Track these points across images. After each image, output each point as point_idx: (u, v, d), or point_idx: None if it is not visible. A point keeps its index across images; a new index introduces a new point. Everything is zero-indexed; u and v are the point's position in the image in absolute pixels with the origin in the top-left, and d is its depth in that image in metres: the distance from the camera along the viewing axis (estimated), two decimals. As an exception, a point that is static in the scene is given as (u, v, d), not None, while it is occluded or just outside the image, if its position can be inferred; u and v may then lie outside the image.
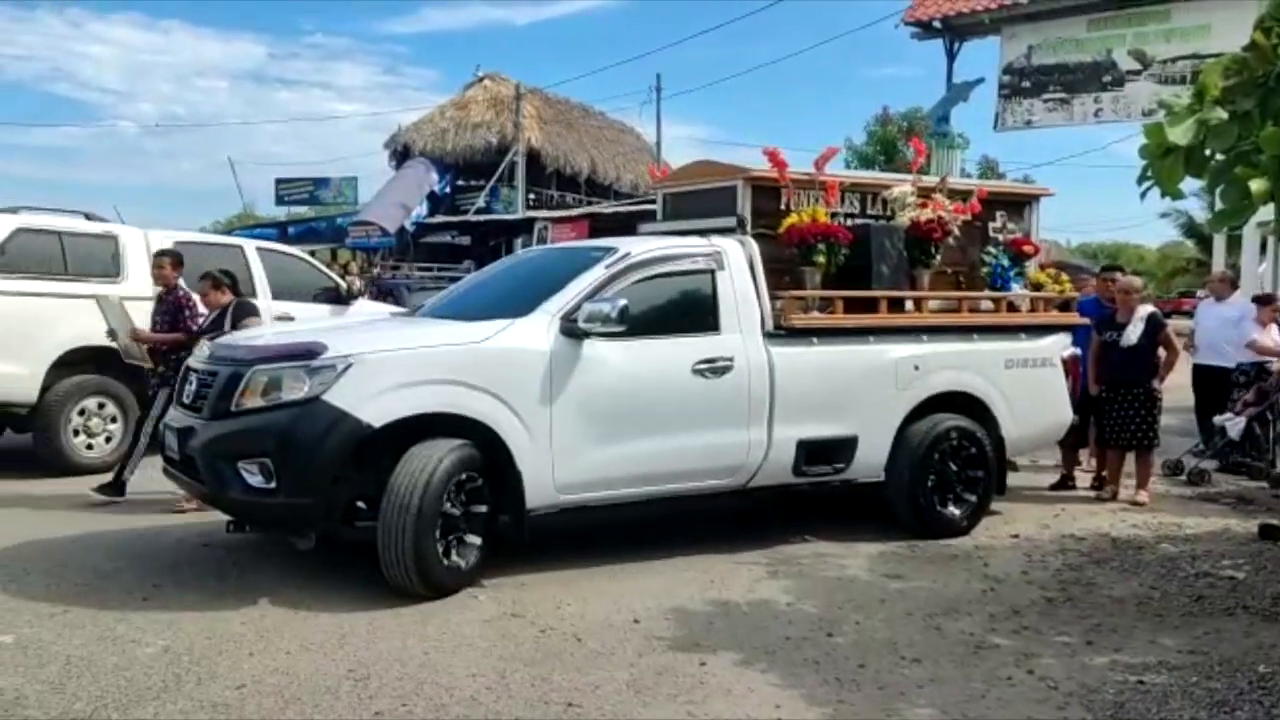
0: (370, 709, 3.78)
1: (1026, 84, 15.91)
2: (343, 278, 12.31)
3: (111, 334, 7.38)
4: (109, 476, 7.23)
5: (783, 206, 6.54)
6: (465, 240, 26.09)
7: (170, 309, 7.28)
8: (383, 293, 17.73)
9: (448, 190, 29.19)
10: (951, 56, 16.67)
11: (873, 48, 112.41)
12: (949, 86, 16.64)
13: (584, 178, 29.58)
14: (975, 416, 6.69)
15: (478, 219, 26.57)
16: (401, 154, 29.75)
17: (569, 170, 29.10)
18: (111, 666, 4.14)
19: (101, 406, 8.21)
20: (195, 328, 7.14)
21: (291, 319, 8.73)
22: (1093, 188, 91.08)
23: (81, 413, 8.16)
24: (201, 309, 7.25)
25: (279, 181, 34.76)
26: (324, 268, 11.56)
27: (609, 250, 5.92)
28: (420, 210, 27.51)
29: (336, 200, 33.39)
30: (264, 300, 9.58)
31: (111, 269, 8.54)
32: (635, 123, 33.64)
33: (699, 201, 6.89)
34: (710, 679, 4.15)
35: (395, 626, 4.68)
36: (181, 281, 7.39)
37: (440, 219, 27.50)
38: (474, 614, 4.89)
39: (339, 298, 10.22)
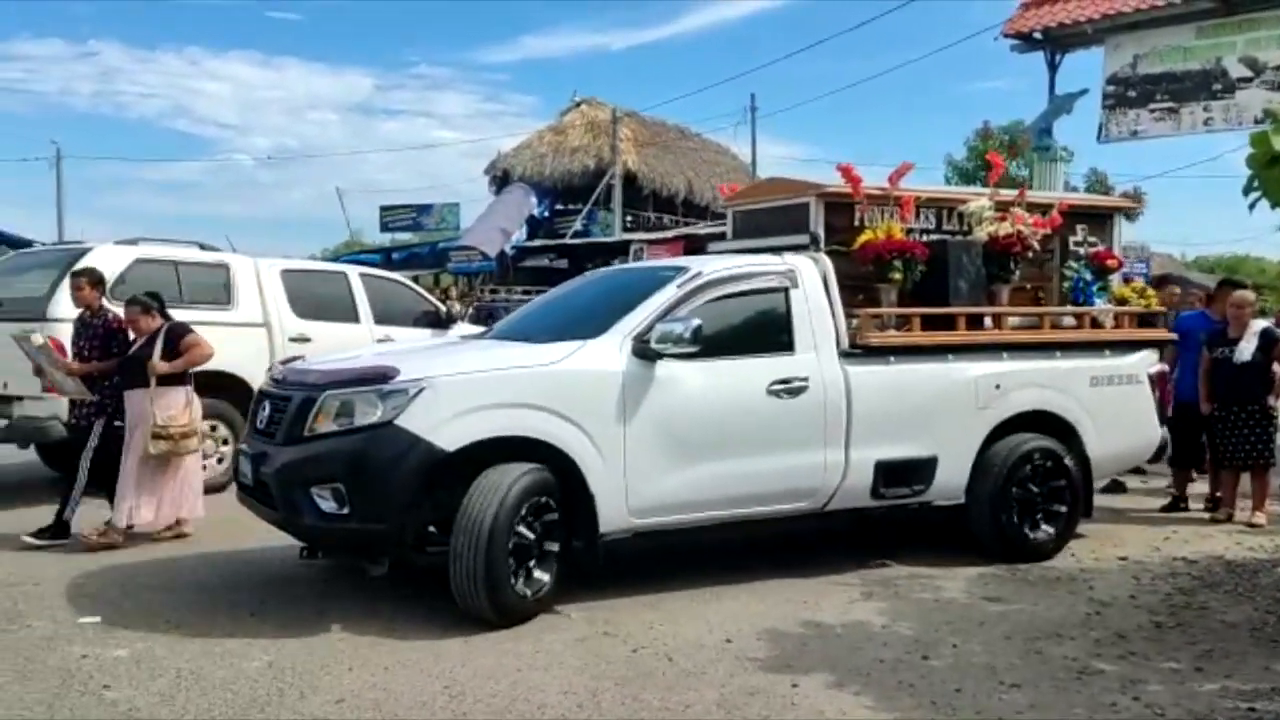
0: (465, 724, 3.87)
1: (1132, 94, 15.38)
2: (443, 302, 12.60)
3: (38, 371, 7.01)
4: (47, 522, 6.69)
5: (856, 223, 6.39)
6: (563, 263, 26.39)
7: (100, 334, 6.94)
8: (484, 316, 18.06)
9: (546, 214, 29.61)
10: (1053, 68, 16.24)
11: (971, 61, 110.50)
12: (1051, 99, 16.21)
13: (680, 199, 29.66)
14: (1059, 436, 6.44)
15: (575, 242, 26.84)
16: (501, 179, 30.30)
17: (665, 192, 29.22)
18: (219, 680, 4.29)
19: (214, 429, 8.47)
20: (129, 353, 6.84)
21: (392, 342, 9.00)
22: (1210, 199, 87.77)
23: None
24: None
25: (383, 209, 35.71)
26: (424, 292, 11.85)
27: (680, 270, 5.86)
28: (520, 234, 27.95)
29: (439, 226, 34.12)
30: (367, 325, 9.90)
31: (223, 297, 8.82)
32: (731, 143, 33.72)
33: (770, 219, 6.79)
34: (802, 700, 4.11)
35: (488, 645, 4.73)
36: (107, 303, 7.11)
37: (539, 243, 27.87)
38: (567, 634, 4.93)
39: (438, 321, 10.45)
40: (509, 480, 4.95)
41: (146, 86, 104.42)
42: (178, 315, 8.43)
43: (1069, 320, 6.86)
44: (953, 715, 3.96)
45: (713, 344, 5.42)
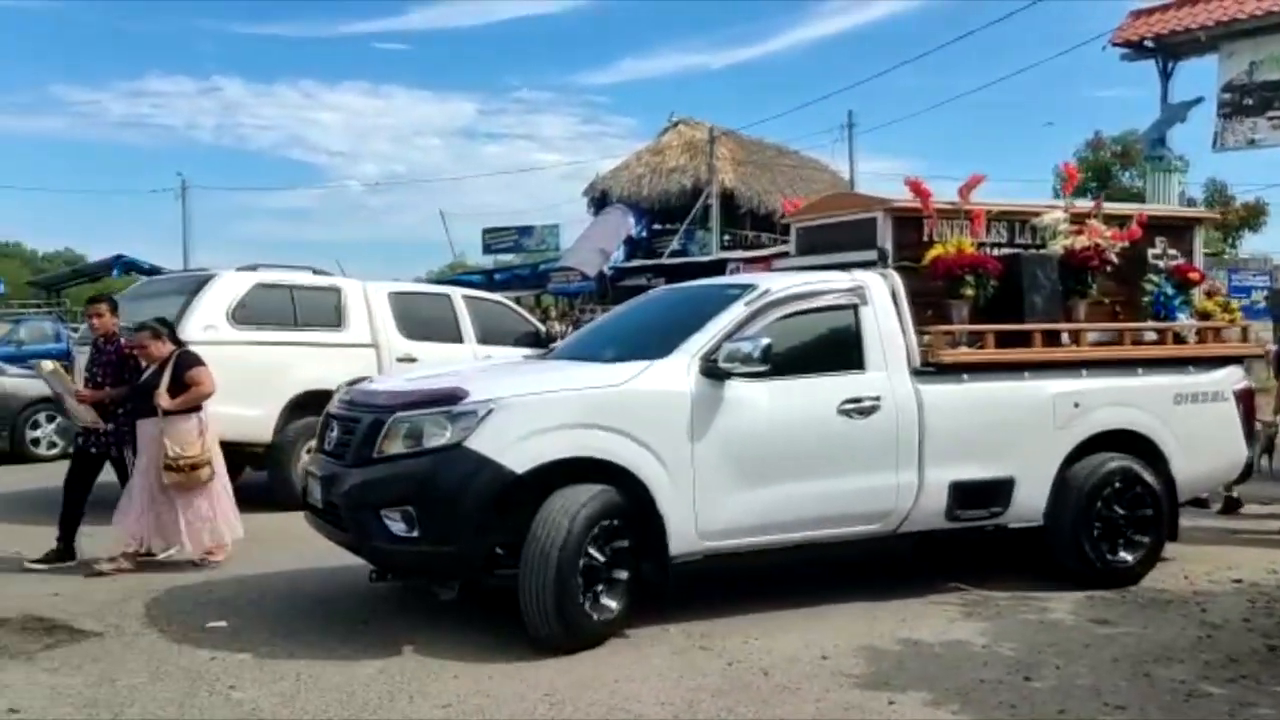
0: (565, 730, 4.00)
1: (1249, 101, 14.82)
2: (543, 322, 12.88)
3: (58, 398, 7.14)
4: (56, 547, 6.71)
5: (925, 238, 6.26)
6: (661, 282, 26.66)
7: (113, 360, 6.94)
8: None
9: (644, 234, 29.91)
10: (1166, 76, 15.79)
11: (1081, 70, 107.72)
12: (1164, 108, 15.78)
13: (778, 216, 29.69)
14: (1142, 456, 6.18)
15: (673, 261, 27.06)
16: (600, 200, 30.75)
17: (763, 210, 29.22)
18: (335, 684, 4.51)
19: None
20: (139, 382, 6.80)
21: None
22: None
23: (309, 451, 8.91)
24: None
25: (486, 231, 36.56)
26: (525, 313, 12.14)
27: (747, 287, 5.76)
28: (618, 254, 28.31)
29: (539, 247, 34.76)
30: (470, 345, 10.18)
31: (334, 319, 9.18)
32: (829, 160, 33.57)
33: (836, 234, 6.66)
34: (898, 718, 4.11)
35: (587, 656, 4.83)
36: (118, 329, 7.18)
37: (637, 263, 28.16)
38: (663, 646, 5.00)
39: (539, 341, 10.70)
40: (578, 502, 4.89)
41: (265, 119, 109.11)
42: (293, 336, 8.95)
43: (1150, 336, 6.61)
44: (1054, 735, 3.93)
45: (782, 363, 5.33)
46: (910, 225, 6.29)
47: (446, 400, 5.01)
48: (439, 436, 4.90)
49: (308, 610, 5.68)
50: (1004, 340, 6.10)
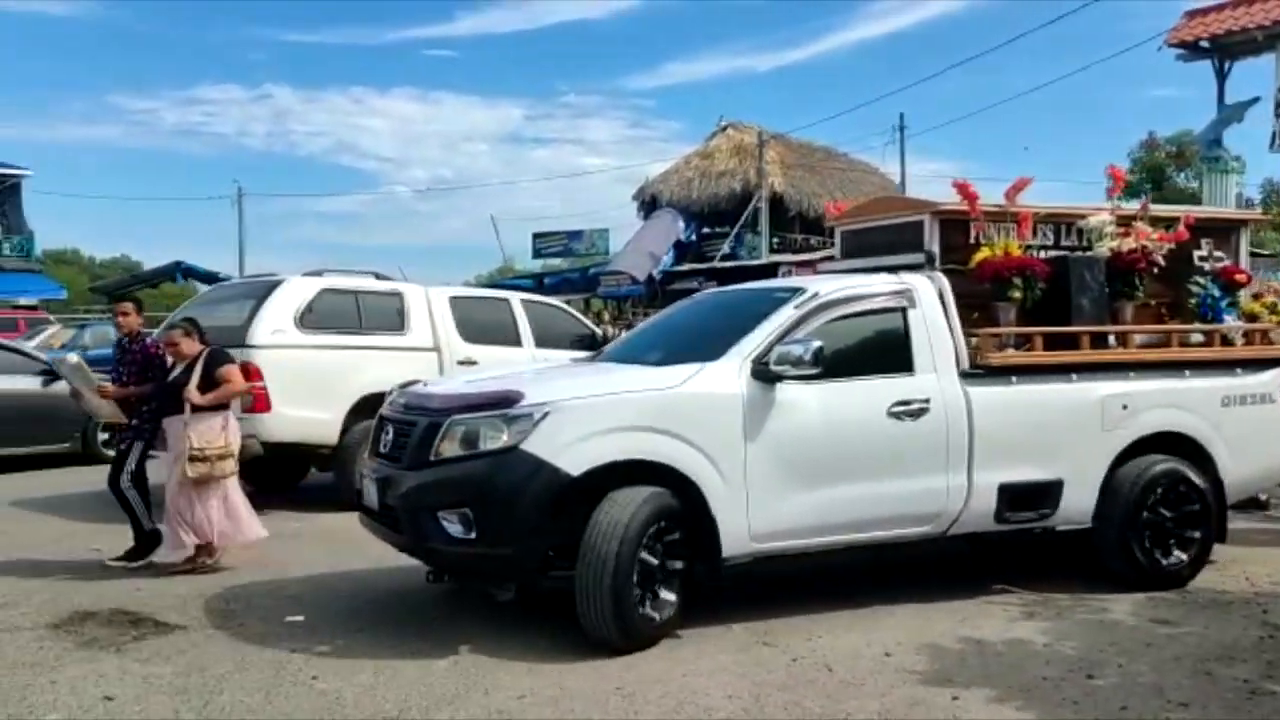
0: (637, 721, 4.10)
1: (1307, 101, 14.72)
2: (598, 325, 13.03)
3: (75, 395, 7.21)
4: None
5: (971, 240, 6.28)
6: (712, 286, 26.73)
7: (138, 359, 6.99)
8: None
9: (693, 238, 29.99)
10: (1222, 76, 15.55)
11: (1135, 71, 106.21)
12: (1220, 108, 15.58)
13: (827, 220, 29.64)
14: (1190, 458, 6.16)
15: (723, 265, 27.13)
16: (649, 204, 30.85)
17: (812, 213, 29.13)
18: (412, 676, 4.66)
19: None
20: (167, 378, 6.87)
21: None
22: None
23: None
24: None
25: (535, 236, 36.82)
26: (580, 316, 12.30)
27: (796, 291, 5.78)
28: (668, 258, 28.42)
29: (589, 251, 34.92)
30: (528, 347, 10.33)
31: (397, 323, 9.34)
32: (880, 162, 33.44)
33: (881, 237, 6.70)
34: (962, 713, 4.18)
35: (655, 653, 4.94)
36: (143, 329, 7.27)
37: (687, 266, 28.24)
38: (728, 642, 5.10)
39: (594, 344, 10.85)
40: (633, 505, 4.91)
41: (315, 125, 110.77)
42: (358, 340, 9.16)
43: (1197, 338, 6.57)
44: (1118, 732, 4.02)
45: (831, 365, 5.34)
46: (957, 228, 6.32)
47: (502, 403, 5.06)
48: (495, 439, 4.95)
49: (377, 607, 5.83)
50: (1052, 342, 6.11)
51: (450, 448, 5.04)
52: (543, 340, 10.20)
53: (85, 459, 11.72)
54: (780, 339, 5.36)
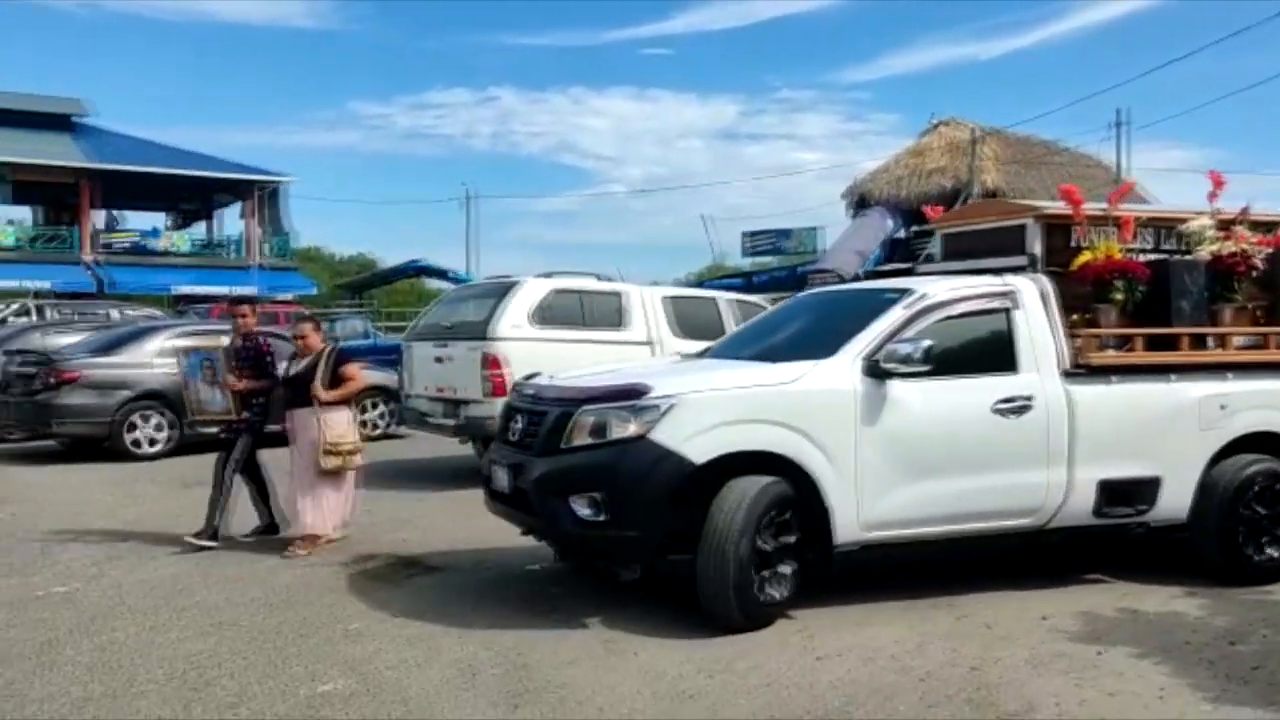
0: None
1: None
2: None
3: (186, 385, 7.40)
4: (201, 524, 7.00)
5: (1074, 243, 6.06)
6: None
7: (252, 355, 7.17)
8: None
9: (903, 236, 30.05)
10: None
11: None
12: None
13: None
14: None
15: (930, 268, 27.00)
16: (859, 203, 30.85)
17: (1028, 209, 28.63)
18: (552, 640, 4.98)
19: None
20: (281, 374, 7.13)
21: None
22: None
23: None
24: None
25: (745, 234, 37.21)
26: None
27: (905, 292, 5.68)
28: (874, 257, 28.64)
29: (798, 250, 35.18)
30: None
31: (617, 320, 9.74)
32: (1106, 155, 32.24)
33: (982, 240, 6.50)
34: (1104, 664, 4.39)
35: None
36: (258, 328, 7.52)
37: (890, 266, 28.35)
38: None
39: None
40: (752, 493, 4.91)
41: (537, 125, 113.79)
42: (583, 335, 9.48)
43: None
44: (1244, 686, 4.12)
45: (938, 363, 5.25)
46: (1059, 232, 6.10)
47: (630, 395, 5.07)
48: (624, 429, 4.98)
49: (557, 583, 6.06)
50: (1152, 343, 5.89)
51: (581, 436, 5.08)
52: None
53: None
54: (891, 338, 5.30)
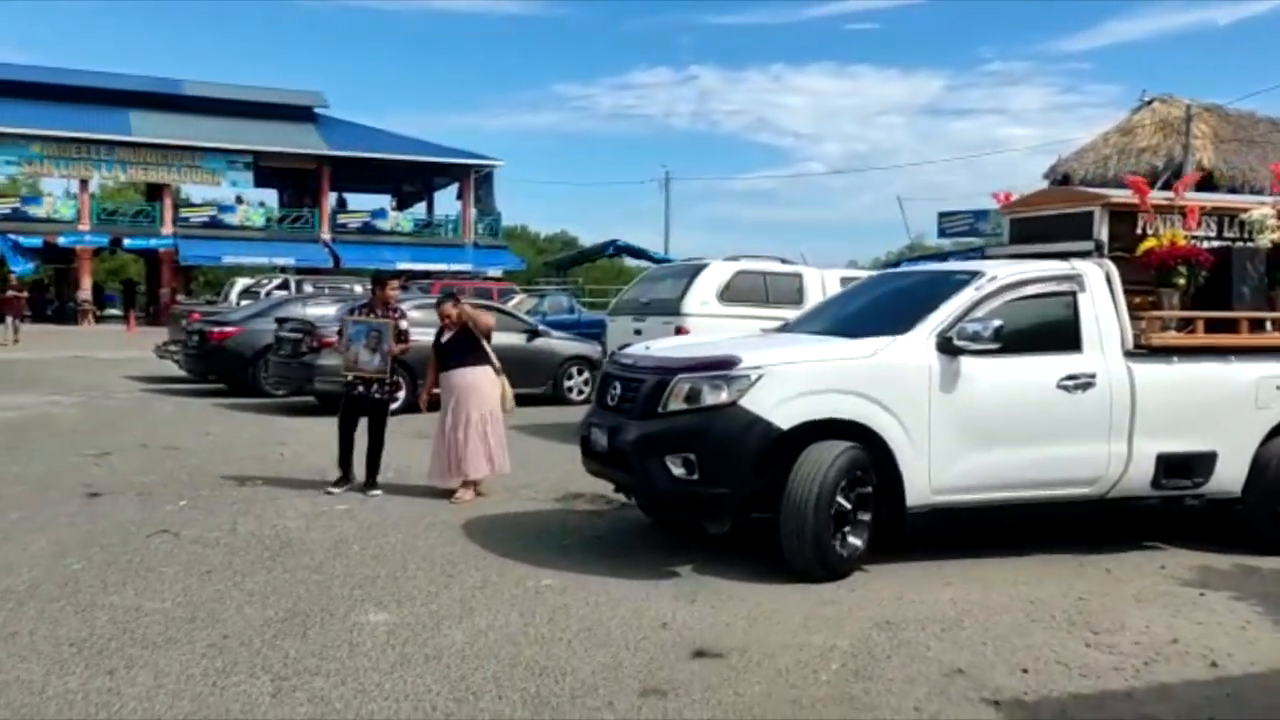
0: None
1: None
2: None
3: (345, 347, 8.00)
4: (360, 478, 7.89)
5: (1138, 230, 6.36)
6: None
7: (398, 330, 7.91)
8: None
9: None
10: None
11: None
12: None
13: (1267, 194, 27.71)
14: None
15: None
16: (1061, 183, 30.36)
17: (1247, 189, 27.40)
18: (640, 597, 5.24)
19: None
20: (445, 341, 7.83)
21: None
22: None
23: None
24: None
25: (941, 214, 37.02)
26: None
27: (975, 274, 6.00)
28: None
29: (994, 231, 34.99)
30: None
31: (796, 299, 10.55)
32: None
33: (1049, 226, 6.81)
34: (1202, 603, 5.08)
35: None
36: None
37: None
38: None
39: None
40: (832, 456, 5.26)
41: (735, 104, 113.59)
42: (765, 313, 9.90)
43: None
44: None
45: (1007, 341, 5.58)
46: (1124, 219, 6.42)
47: (723, 365, 5.44)
48: (716, 396, 5.35)
49: (628, 537, 6.65)
50: (1212, 326, 6.22)
51: (676, 402, 5.45)
52: None
53: (555, 400, 13.56)
54: (963, 317, 5.64)
